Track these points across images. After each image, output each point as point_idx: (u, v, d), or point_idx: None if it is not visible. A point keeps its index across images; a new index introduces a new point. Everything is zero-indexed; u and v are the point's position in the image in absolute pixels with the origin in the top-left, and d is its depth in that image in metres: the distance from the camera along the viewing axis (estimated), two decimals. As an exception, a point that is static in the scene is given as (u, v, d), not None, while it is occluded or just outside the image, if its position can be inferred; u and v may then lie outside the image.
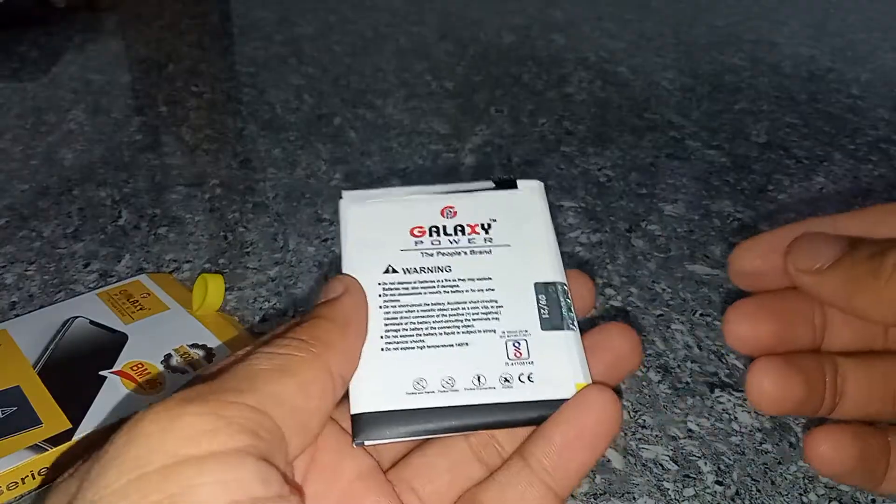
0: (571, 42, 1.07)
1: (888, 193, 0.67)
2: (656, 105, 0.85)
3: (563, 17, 1.19)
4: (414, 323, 0.25)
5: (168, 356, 0.41)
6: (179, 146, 0.72)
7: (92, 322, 0.44)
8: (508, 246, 0.27)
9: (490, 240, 0.27)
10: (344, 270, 0.26)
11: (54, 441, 0.35)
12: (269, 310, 0.49)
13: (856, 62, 1.02)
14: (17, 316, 0.46)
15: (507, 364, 0.24)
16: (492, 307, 0.25)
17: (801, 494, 0.36)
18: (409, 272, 0.26)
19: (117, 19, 1.10)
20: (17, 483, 0.35)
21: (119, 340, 0.42)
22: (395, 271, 0.26)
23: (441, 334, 0.24)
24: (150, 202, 0.62)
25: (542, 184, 0.28)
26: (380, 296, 0.25)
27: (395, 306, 0.25)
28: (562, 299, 0.25)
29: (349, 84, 0.88)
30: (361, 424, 0.23)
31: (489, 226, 0.27)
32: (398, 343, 0.24)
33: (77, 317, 0.44)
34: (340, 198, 0.28)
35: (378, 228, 0.27)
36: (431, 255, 0.26)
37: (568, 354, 0.24)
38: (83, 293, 0.48)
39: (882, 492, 0.26)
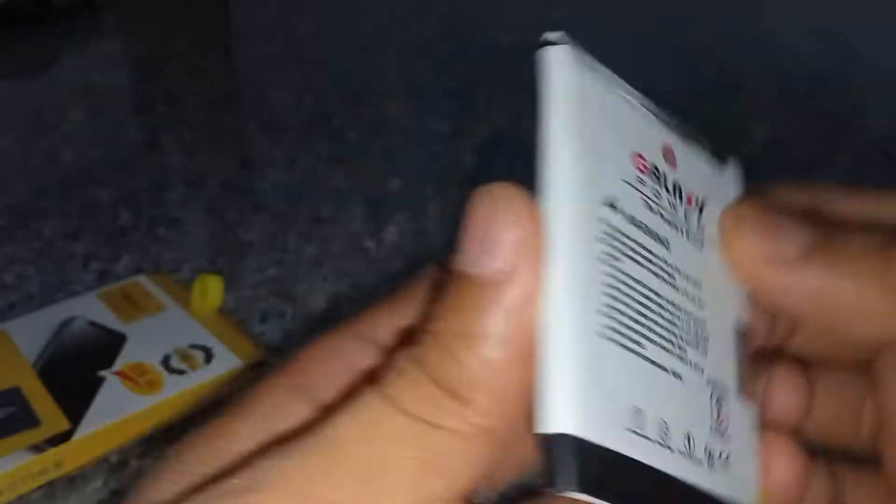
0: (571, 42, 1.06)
1: (888, 193, 0.67)
2: (656, 105, 0.84)
3: (563, 17, 1.19)
4: (641, 310, 0.15)
5: (167, 357, 0.41)
6: (179, 146, 0.72)
7: (91, 322, 0.44)
8: (715, 245, 0.18)
9: (703, 227, 0.18)
10: (548, 175, 0.15)
11: (53, 441, 0.35)
12: (269, 310, 0.49)
13: (856, 62, 1.02)
14: (16, 316, 0.46)
15: (711, 430, 0.16)
16: (701, 333, 0.16)
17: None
18: (635, 225, 0.16)
19: (117, 19, 1.10)
20: (16, 483, 0.35)
21: (118, 341, 0.42)
22: (618, 211, 0.15)
23: (661, 346, 0.15)
24: (149, 202, 0.61)
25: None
26: (599, 240, 0.15)
27: (618, 270, 0.15)
28: (746, 353, 0.17)
29: (349, 84, 0.88)
30: (572, 458, 0.13)
31: (703, 206, 0.18)
32: (622, 334, 0.15)
33: (76, 317, 0.44)
34: (548, 45, 0.16)
35: (600, 125, 0.16)
36: (654, 212, 0.16)
37: (754, 441, 0.17)
38: (82, 293, 0.48)
39: None
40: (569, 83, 0.16)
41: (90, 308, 0.45)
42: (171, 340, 0.42)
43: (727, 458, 0.16)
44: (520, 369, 0.14)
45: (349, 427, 0.14)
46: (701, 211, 0.18)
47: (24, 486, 0.35)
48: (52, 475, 0.35)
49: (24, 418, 0.36)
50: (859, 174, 0.71)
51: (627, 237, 0.15)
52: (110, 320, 0.44)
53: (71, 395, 0.38)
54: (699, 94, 0.89)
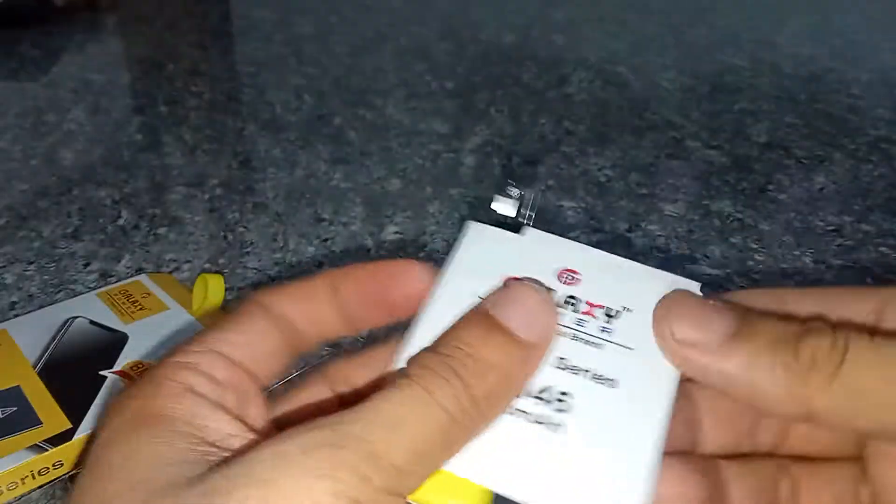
0: (571, 42, 1.07)
1: (888, 193, 0.67)
2: (656, 105, 0.85)
3: (563, 18, 1.19)
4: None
5: (168, 356, 0.41)
6: (179, 146, 0.72)
7: (92, 322, 0.44)
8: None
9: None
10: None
11: (54, 441, 0.35)
12: (269, 310, 0.49)
13: (856, 62, 1.02)
14: (16, 316, 0.46)
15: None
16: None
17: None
18: None
19: (117, 19, 1.10)
20: (16, 483, 0.35)
21: (119, 340, 0.42)
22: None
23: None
24: (150, 202, 0.61)
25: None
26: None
27: None
28: None
29: (349, 84, 0.88)
30: None
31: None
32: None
33: (77, 317, 0.44)
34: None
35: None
36: None
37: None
38: (83, 293, 0.48)
39: None
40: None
41: (91, 308, 0.45)
42: (171, 340, 0.42)
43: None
44: None
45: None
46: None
47: (24, 486, 0.35)
48: (53, 475, 0.36)
49: (24, 418, 0.36)
50: (859, 174, 0.71)
51: None
52: (111, 320, 0.44)
53: (72, 395, 0.38)
54: (699, 94, 0.89)
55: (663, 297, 0.21)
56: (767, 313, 0.20)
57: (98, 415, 0.37)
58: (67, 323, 0.44)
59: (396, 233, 0.58)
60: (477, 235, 0.23)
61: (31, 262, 0.53)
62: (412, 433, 0.17)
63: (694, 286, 0.21)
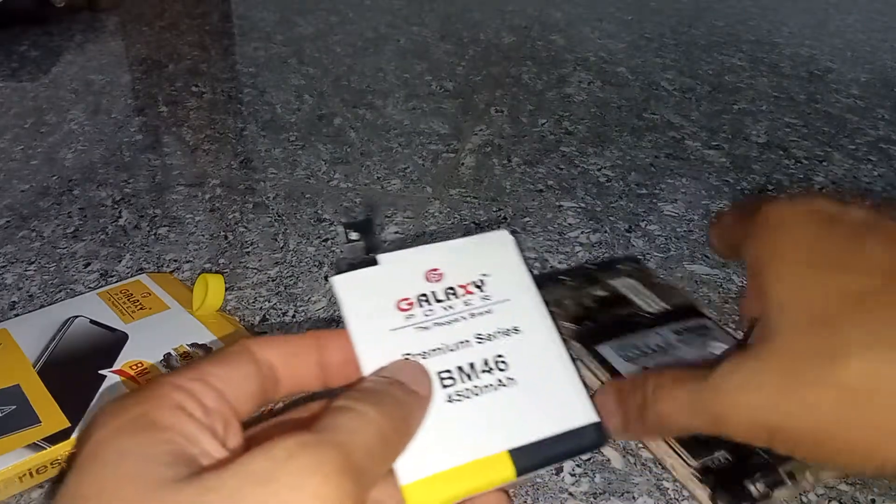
0: (571, 42, 1.07)
1: (888, 193, 0.67)
2: (656, 105, 0.85)
3: (563, 18, 1.19)
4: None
5: (168, 355, 0.41)
6: (180, 146, 0.72)
7: (92, 321, 0.44)
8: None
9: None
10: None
11: (52, 440, 0.35)
12: (270, 310, 0.49)
13: (856, 62, 1.02)
14: (17, 315, 0.46)
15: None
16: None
17: (800, 494, 0.36)
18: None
19: (117, 19, 1.10)
20: (14, 481, 0.35)
21: (119, 340, 0.42)
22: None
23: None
24: (150, 202, 0.62)
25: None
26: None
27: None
28: None
29: (349, 84, 0.88)
30: None
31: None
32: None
33: (77, 316, 0.44)
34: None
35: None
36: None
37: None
38: (83, 293, 0.48)
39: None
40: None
41: (91, 307, 0.45)
42: (172, 339, 0.42)
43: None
44: None
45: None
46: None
47: (22, 484, 0.35)
48: (51, 473, 0.36)
49: (23, 417, 0.37)
50: (859, 174, 0.71)
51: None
52: (111, 319, 0.44)
53: (71, 394, 0.38)
54: (699, 94, 0.89)
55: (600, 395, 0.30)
56: (618, 384, 0.30)
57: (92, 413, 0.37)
58: (68, 322, 0.44)
59: (396, 233, 0.58)
60: (346, 286, 0.26)
61: (32, 262, 0.53)
62: (363, 437, 0.21)
63: (503, 232, 0.28)
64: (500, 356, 0.25)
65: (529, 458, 0.24)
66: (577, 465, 0.38)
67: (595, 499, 0.36)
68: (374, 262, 0.27)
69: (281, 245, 0.56)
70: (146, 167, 0.67)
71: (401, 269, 0.27)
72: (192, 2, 1.20)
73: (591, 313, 0.46)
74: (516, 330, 0.26)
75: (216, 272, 0.52)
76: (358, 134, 0.75)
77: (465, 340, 0.25)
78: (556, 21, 1.17)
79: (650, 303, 0.46)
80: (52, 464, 0.35)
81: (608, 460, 0.38)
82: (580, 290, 0.48)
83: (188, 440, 0.20)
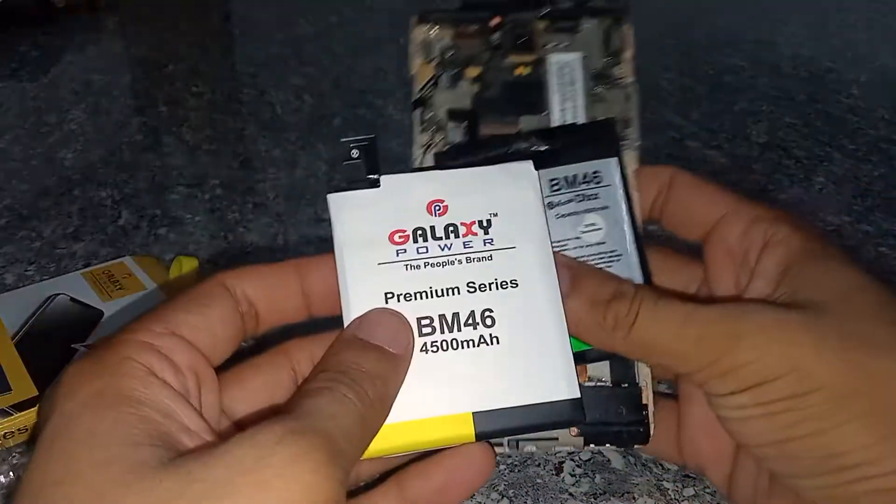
0: (571, 42, 1.06)
1: (888, 193, 0.67)
2: (656, 105, 0.85)
3: (563, 18, 1.19)
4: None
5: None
6: (180, 146, 0.72)
7: (72, 299, 0.46)
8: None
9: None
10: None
11: (20, 407, 0.37)
12: (269, 310, 0.49)
13: (856, 62, 1.02)
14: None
15: None
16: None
17: (800, 494, 0.36)
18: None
19: (117, 19, 1.10)
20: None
21: (95, 317, 0.44)
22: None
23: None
24: (150, 202, 0.62)
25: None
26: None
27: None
28: None
29: (349, 84, 0.88)
30: None
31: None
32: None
33: (59, 293, 0.46)
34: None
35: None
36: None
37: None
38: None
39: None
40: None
41: (74, 286, 0.47)
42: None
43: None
44: None
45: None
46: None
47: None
48: (19, 439, 0.37)
49: (-4, 384, 0.39)
50: (859, 174, 0.71)
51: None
52: (91, 298, 0.46)
53: (43, 365, 0.40)
54: (699, 94, 0.89)
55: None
56: (594, 272, 0.26)
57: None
58: (49, 299, 0.46)
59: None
60: (342, 205, 0.25)
61: (32, 262, 0.53)
62: (344, 422, 0.20)
63: (527, 164, 0.25)
64: (488, 310, 0.23)
65: (493, 423, 0.22)
66: (577, 466, 0.38)
67: (595, 499, 0.36)
68: (375, 184, 0.26)
69: (281, 245, 0.56)
70: (146, 167, 0.67)
71: (402, 195, 0.25)
72: (191, 1, 1.20)
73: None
74: (514, 283, 0.23)
75: (216, 272, 0.52)
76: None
77: (454, 287, 0.23)
78: (555, 21, 1.17)
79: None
80: (19, 430, 0.37)
81: (608, 460, 0.38)
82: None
83: (162, 414, 0.20)
